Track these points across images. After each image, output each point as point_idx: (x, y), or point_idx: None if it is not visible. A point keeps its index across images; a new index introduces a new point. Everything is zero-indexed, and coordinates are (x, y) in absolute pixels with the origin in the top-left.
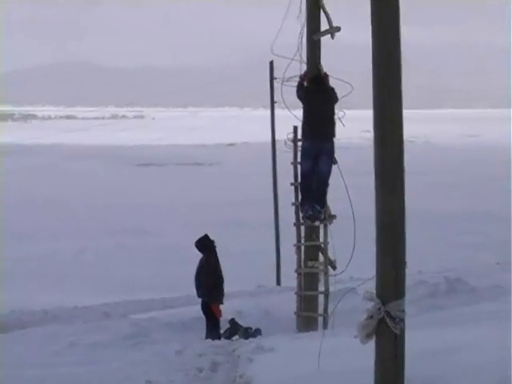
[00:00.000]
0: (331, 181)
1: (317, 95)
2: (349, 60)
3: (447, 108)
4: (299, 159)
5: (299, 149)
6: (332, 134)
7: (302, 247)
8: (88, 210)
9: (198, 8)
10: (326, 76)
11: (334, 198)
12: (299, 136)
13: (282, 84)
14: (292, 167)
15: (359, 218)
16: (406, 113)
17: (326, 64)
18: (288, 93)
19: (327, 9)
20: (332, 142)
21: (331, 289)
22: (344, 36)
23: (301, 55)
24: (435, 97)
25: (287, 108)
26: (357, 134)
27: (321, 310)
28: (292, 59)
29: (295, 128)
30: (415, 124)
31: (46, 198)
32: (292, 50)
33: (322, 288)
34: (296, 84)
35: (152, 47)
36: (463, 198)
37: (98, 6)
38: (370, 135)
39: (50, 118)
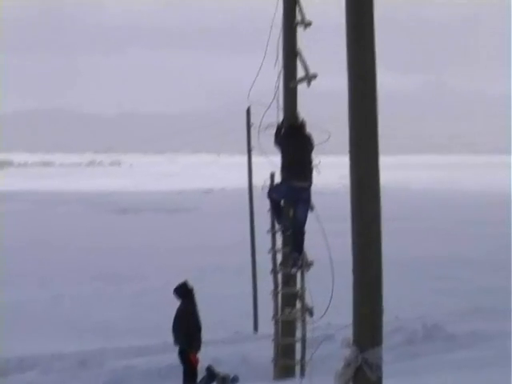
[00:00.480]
0: (308, 227)
1: (293, 142)
2: (326, 106)
3: (426, 154)
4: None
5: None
6: (309, 181)
7: (279, 294)
8: (65, 256)
9: (175, 56)
10: (303, 124)
11: (312, 243)
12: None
13: (258, 131)
14: (269, 214)
15: (336, 263)
16: (384, 159)
17: (303, 110)
18: (265, 139)
19: (304, 56)
20: (308, 189)
21: (308, 336)
22: (320, 82)
23: (278, 102)
24: (414, 143)
25: (264, 154)
26: (334, 179)
27: (298, 357)
28: (268, 107)
29: (272, 175)
30: (393, 170)
31: (22, 244)
32: (269, 97)
33: (299, 335)
34: (274, 131)
35: (130, 94)
36: (439, 243)
37: (77, 53)
38: (347, 181)
39: (26, 164)
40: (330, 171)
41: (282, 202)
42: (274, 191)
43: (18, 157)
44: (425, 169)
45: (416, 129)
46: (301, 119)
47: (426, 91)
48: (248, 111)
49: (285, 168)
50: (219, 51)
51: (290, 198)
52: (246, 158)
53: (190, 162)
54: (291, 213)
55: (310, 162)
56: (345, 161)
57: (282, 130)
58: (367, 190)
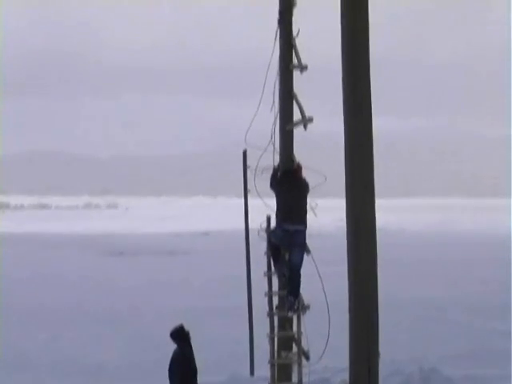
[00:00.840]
0: (305, 270)
1: (288, 186)
2: (322, 148)
3: (422, 197)
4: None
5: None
6: (303, 223)
7: (276, 337)
8: (60, 298)
9: (171, 98)
10: (299, 167)
11: (308, 286)
12: (272, 225)
13: (255, 174)
14: (265, 257)
15: (333, 306)
16: (381, 201)
17: (300, 153)
18: (261, 182)
19: (299, 99)
20: (303, 233)
21: (305, 380)
22: (317, 125)
23: (274, 145)
24: (411, 186)
25: (260, 197)
26: (330, 222)
27: None
28: (265, 150)
29: (268, 217)
30: (389, 213)
31: (19, 286)
32: (266, 139)
33: (295, 379)
34: (270, 174)
35: (126, 136)
36: (436, 285)
37: (72, 97)
38: (344, 223)
39: (22, 207)
40: (327, 214)
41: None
42: (272, 235)
43: (14, 199)
44: (421, 211)
45: (413, 171)
46: (297, 163)
47: (422, 134)
48: (244, 154)
49: (279, 212)
50: (215, 93)
51: (285, 242)
52: (242, 200)
53: (186, 205)
54: (287, 256)
55: (304, 205)
56: (342, 203)
57: (278, 174)
58: (363, 231)
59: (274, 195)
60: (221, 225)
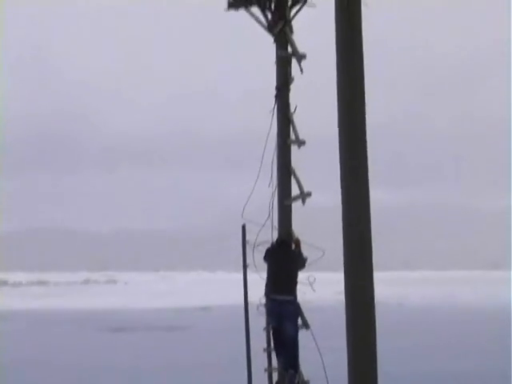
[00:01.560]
0: (304, 344)
1: (280, 255)
2: (321, 221)
3: (422, 270)
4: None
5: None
6: (292, 294)
7: None
8: (60, 375)
9: (168, 172)
10: (298, 242)
11: (308, 361)
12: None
13: (253, 249)
14: (265, 332)
15: (333, 381)
16: (379, 274)
17: (298, 228)
18: (260, 256)
19: (297, 174)
20: (293, 303)
21: None
22: (315, 199)
23: (272, 220)
24: (410, 258)
25: (257, 272)
26: (330, 295)
27: None
28: (263, 225)
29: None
30: (389, 286)
31: (17, 364)
32: (264, 214)
33: None
34: (266, 248)
35: (124, 212)
36: (437, 358)
37: (69, 173)
38: (343, 297)
39: (21, 284)
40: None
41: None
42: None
43: (13, 276)
44: (420, 284)
45: (411, 244)
46: (295, 238)
47: (421, 206)
48: (243, 228)
49: (268, 282)
50: (213, 167)
51: (274, 313)
52: (241, 274)
53: (185, 279)
54: (273, 324)
55: (295, 276)
56: (341, 276)
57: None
58: (361, 304)
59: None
60: (220, 299)
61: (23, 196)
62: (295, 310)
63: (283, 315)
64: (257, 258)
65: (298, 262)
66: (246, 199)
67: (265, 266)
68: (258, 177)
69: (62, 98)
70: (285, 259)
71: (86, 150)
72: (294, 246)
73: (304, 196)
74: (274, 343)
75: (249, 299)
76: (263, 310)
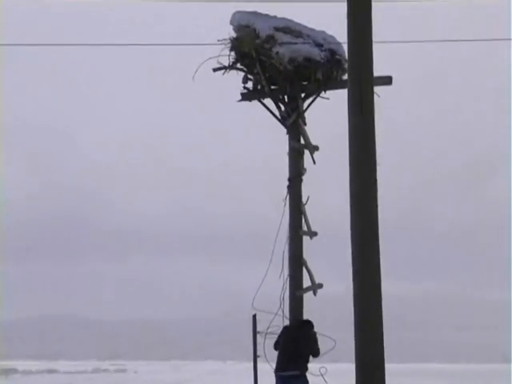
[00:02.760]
0: None
1: (295, 334)
2: (332, 312)
3: (436, 362)
4: None
5: None
6: (299, 369)
7: None
8: None
9: (177, 261)
10: (309, 323)
11: None
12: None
13: (264, 339)
14: None
15: None
16: (391, 366)
17: (309, 317)
18: (271, 347)
19: (309, 264)
20: (301, 378)
21: None
22: (327, 289)
23: (283, 311)
24: (422, 351)
25: (268, 363)
26: None
27: None
28: (276, 314)
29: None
30: (400, 379)
31: None
32: (274, 304)
33: None
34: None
35: (133, 300)
36: None
37: (78, 260)
38: None
39: (31, 372)
40: (338, 378)
41: None
42: None
43: (22, 364)
44: (432, 377)
45: (423, 336)
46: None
47: (431, 298)
48: (254, 318)
49: (278, 359)
50: (223, 257)
51: None
52: (252, 365)
53: (196, 369)
54: None
55: (306, 353)
56: (352, 368)
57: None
58: None
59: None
60: None
61: (34, 284)
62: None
63: None
64: (268, 348)
65: (313, 343)
66: (256, 289)
67: (275, 355)
68: (268, 267)
69: (69, 182)
70: (300, 338)
71: (95, 238)
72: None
73: (315, 287)
74: None
75: None
76: None
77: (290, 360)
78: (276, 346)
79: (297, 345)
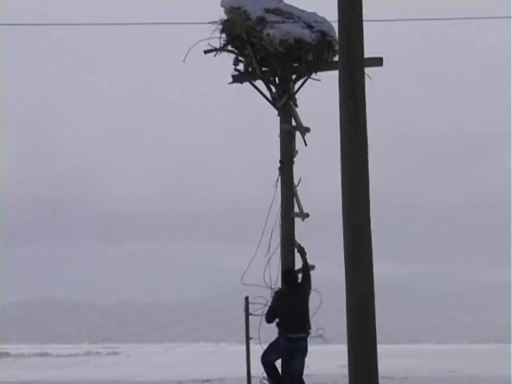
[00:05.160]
0: None
1: (289, 296)
2: (323, 294)
3: (427, 343)
4: None
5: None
6: (307, 330)
7: None
8: None
9: (170, 245)
10: (302, 250)
11: None
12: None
13: (259, 326)
14: None
15: None
16: (383, 347)
17: None
18: (264, 329)
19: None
20: (306, 339)
21: None
22: (318, 271)
23: (266, 282)
24: (414, 332)
25: (261, 344)
26: (333, 369)
27: None
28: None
29: (246, 298)
30: (394, 359)
31: None
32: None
33: None
34: (266, 312)
35: (126, 283)
36: None
37: (72, 243)
38: (347, 371)
39: (23, 355)
40: (331, 360)
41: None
42: (269, 353)
43: (14, 348)
44: (425, 358)
45: (416, 318)
46: (298, 245)
47: (422, 280)
48: (246, 300)
49: (280, 322)
50: (215, 239)
51: (289, 350)
52: (244, 346)
53: (188, 351)
54: (274, 358)
55: (306, 310)
56: (344, 349)
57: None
58: (365, 379)
59: (268, 314)
60: (222, 372)
61: (24, 266)
62: (306, 346)
63: (296, 350)
64: (261, 329)
65: (308, 293)
66: (249, 270)
67: (268, 338)
68: (257, 247)
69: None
70: (296, 299)
71: (90, 221)
72: (300, 255)
73: (303, 215)
74: (282, 377)
75: (252, 372)
76: (266, 383)
77: (298, 323)
78: (270, 312)
79: (299, 308)
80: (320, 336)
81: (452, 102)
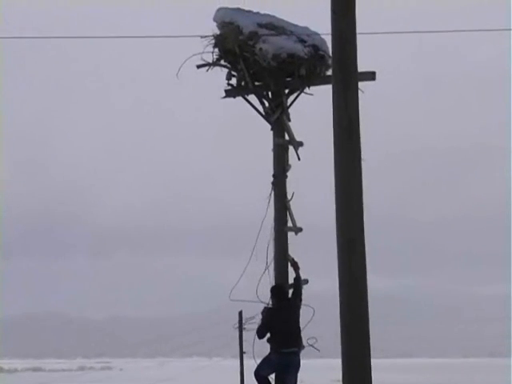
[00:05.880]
0: None
1: (280, 311)
2: (317, 308)
3: (420, 357)
4: None
5: None
6: (299, 345)
7: None
8: None
9: (162, 258)
10: (295, 264)
11: None
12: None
13: (253, 340)
14: None
15: None
16: (378, 361)
17: None
18: (257, 343)
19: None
20: (298, 354)
21: None
22: (312, 286)
23: (258, 297)
24: (407, 346)
25: (254, 359)
26: (327, 383)
27: None
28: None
29: (240, 312)
30: (388, 373)
31: None
32: (261, 296)
33: None
34: (257, 327)
35: (118, 298)
36: None
37: (63, 257)
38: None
39: (16, 370)
40: (324, 374)
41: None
42: (262, 368)
43: (7, 363)
44: (418, 371)
45: (410, 332)
46: (292, 259)
47: (418, 294)
48: (240, 314)
49: (272, 337)
50: (208, 254)
51: (282, 364)
52: (238, 361)
53: (182, 366)
54: (266, 373)
55: (297, 326)
56: (338, 363)
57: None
58: None
59: (261, 330)
60: None
61: (19, 282)
62: (299, 360)
63: (289, 365)
64: (255, 344)
65: (298, 308)
66: (242, 284)
67: (262, 353)
68: (249, 260)
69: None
70: (288, 314)
71: (81, 234)
72: (293, 269)
73: (296, 229)
74: None
75: None
76: None
77: (290, 338)
78: (263, 328)
79: (291, 323)
80: (311, 345)
81: (446, 113)
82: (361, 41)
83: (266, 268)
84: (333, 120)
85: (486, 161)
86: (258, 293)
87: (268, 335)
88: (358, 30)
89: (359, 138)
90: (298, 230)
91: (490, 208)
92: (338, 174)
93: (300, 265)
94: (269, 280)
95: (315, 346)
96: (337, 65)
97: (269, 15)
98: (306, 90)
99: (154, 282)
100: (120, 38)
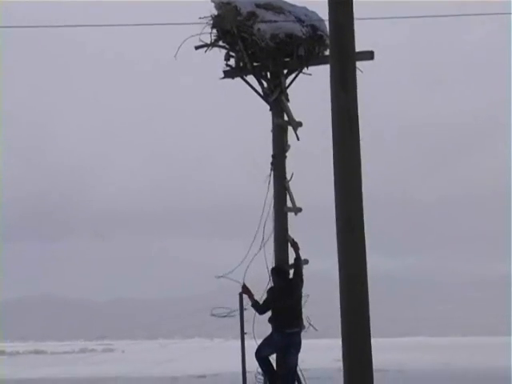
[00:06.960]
0: None
1: (282, 292)
2: (317, 288)
3: (420, 336)
4: None
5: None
6: (301, 325)
7: None
8: None
9: (165, 240)
10: (296, 245)
11: None
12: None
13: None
14: None
15: None
16: (379, 341)
17: None
18: (259, 323)
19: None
20: (299, 334)
21: None
22: (312, 265)
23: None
24: (409, 325)
25: (255, 340)
26: (328, 363)
27: None
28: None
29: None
30: (388, 353)
31: None
32: (261, 280)
33: None
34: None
35: (120, 280)
36: None
37: (64, 240)
38: (341, 364)
39: (18, 353)
40: (325, 354)
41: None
42: (263, 349)
43: (9, 346)
44: (420, 350)
45: (410, 310)
46: (292, 240)
47: (418, 273)
48: (241, 296)
49: (274, 317)
50: (208, 235)
51: (283, 344)
52: (239, 342)
53: (183, 347)
54: (268, 353)
55: (299, 306)
56: (339, 343)
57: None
58: (359, 372)
59: (265, 306)
60: (217, 368)
61: (19, 264)
62: (300, 340)
63: (291, 345)
64: (256, 325)
65: (300, 288)
66: (244, 265)
67: (263, 333)
68: (252, 244)
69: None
70: (290, 296)
71: (81, 217)
72: (293, 249)
73: (296, 209)
74: (276, 372)
75: (247, 367)
76: (261, 378)
77: (293, 318)
78: (265, 306)
79: (293, 303)
80: (310, 324)
81: (444, 93)
82: (358, 23)
83: (261, 247)
84: (331, 100)
85: (487, 138)
86: (248, 272)
87: (269, 315)
88: (355, 14)
89: (357, 117)
90: (297, 210)
91: (491, 187)
92: (337, 154)
93: (300, 245)
94: (266, 260)
95: (312, 324)
96: (334, 44)
97: None
98: (305, 70)
99: (154, 264)
100: (119, 26)
